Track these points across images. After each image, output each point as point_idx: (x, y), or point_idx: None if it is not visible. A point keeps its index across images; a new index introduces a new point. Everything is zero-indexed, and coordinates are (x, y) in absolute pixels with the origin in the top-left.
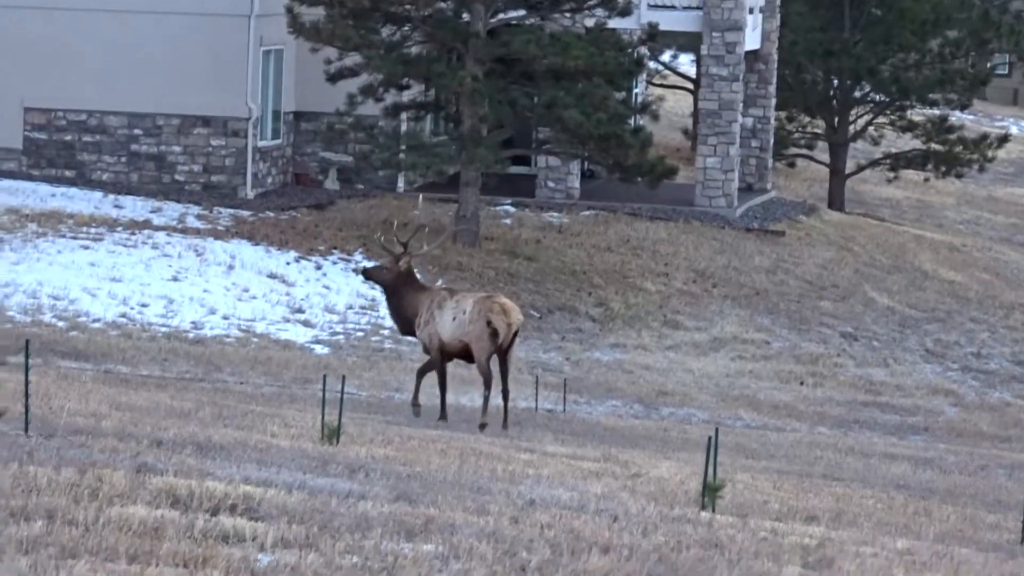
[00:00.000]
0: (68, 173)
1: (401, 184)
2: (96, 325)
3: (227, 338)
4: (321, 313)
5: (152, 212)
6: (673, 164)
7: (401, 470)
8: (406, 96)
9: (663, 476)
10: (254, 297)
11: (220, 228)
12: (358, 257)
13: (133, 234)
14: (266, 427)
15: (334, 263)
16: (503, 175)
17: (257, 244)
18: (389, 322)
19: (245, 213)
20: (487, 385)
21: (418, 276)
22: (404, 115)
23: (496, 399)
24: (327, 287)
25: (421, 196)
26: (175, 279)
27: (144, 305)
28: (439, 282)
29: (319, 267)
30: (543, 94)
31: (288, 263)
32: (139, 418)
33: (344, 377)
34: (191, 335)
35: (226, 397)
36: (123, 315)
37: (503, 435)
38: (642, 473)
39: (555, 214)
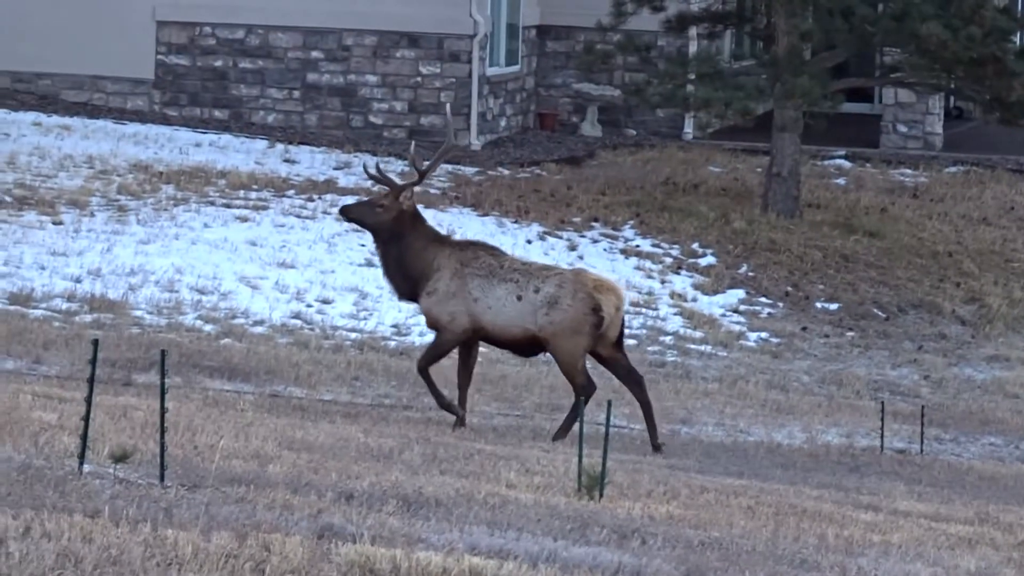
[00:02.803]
0: (218, 113)
1: (689, 128)
2: (258, 330)
3: None
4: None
5: (337, 169)
6: None
7: (691, 535)
8: (696, 3)
9: None
10: None
11: (433, 192)
12: (628, 232)
13: (311, 200)
14: (500, 474)
15: (594, 241)
16: (834, 115)
17: (486, 214)
18: (673, 325)
19: (469, 170)
20: (583, 393)
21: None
22: (694, 30)
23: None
24: None
25: (448, 105)
26: (369, 264)
27: (326, 302)
28: (743, 268)
29: (573, 246)
30: (891, 1)
31: (530, 240)
32: (320, 461)
33: (610, 403)
34: (392, 344)
35: (442, 431)
36: (296, 315)
37: (830, 486)
38: None
39: (908, 171)
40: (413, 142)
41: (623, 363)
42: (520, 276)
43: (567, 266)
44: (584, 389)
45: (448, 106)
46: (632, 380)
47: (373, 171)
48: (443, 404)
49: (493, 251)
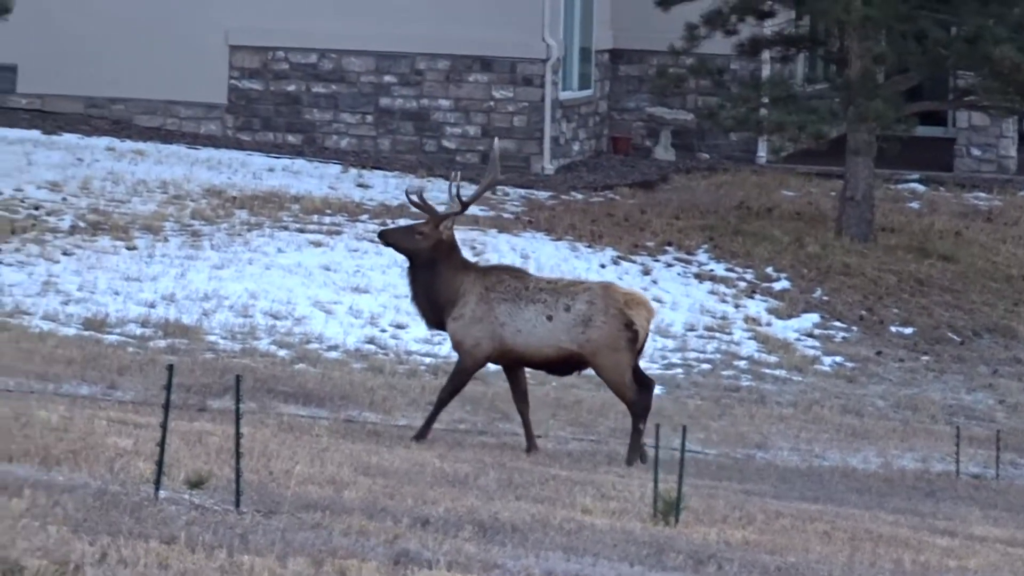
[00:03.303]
0: (291, 138)
1: (763, 152)
2: (333, 355)
3: None
4: (650, 337)
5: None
6: None
7: (767, 561)
8: (769, 27)
9: None
10: None
11: (506, 216)
12: (702, 257)
13: (384, 224)
14: (575, 499)
15: (668, 265)
16: (907, 139)
17: (559, 239)
18: (748, 349)
19: (542, 194)
20: (639, 412)
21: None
22: (767, 54)
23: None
24: (658, 300)
25: (496, 139)
26: None
27: (400, 327)
28: (817, 292)
29: (647, 271)
30: (964, 23)
31: (603, 265)
32: (396, 487)
33: (685, 428)
34: None
35: (517, 456)
36: (371, 340)
37: (905, 511)
38: None
39: (982, 194)
40: (457, 171)
41: (636, 373)
42: (548, 296)
43: (578, 279)
44: (636, 404)
45: (496, 140)
46: (642, 384)
47: (415, 198)
48: (424, 430)
49: (517, 273)
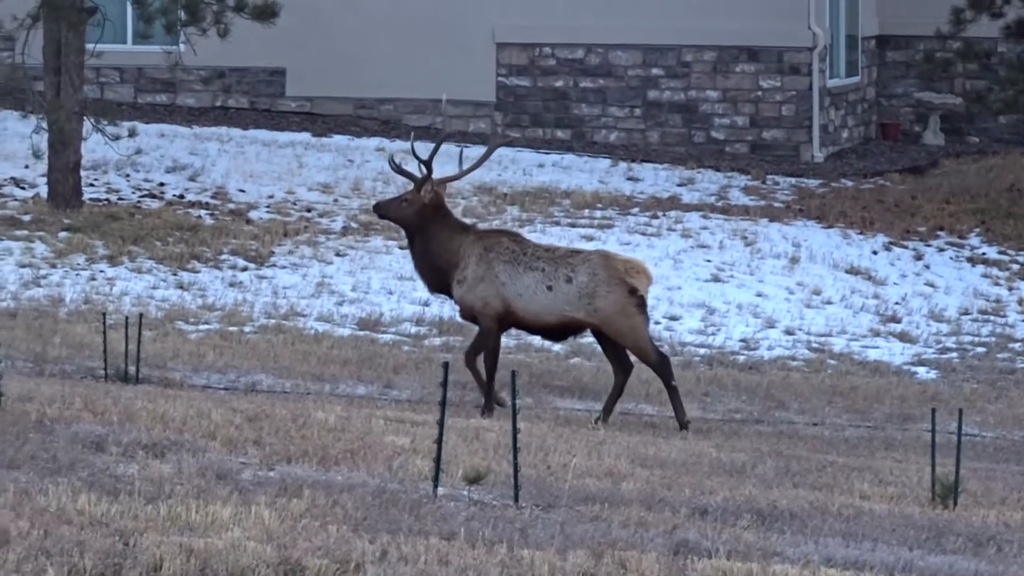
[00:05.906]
0: (560, 134)
1: None
2: None
3: (792, 361)
4: (924, 322)
5: (680, 185)
6: None
7: None
8: None
9: None
10: (829, 302)
11: (777, 205)
12: (974, 240)
13: (655, 217)
14: (852, 485)
15: (940, 250)
16: None
17: (830, 226)
18: (1022, 331)
19: (812, 183)
20: (666, 374)
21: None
22: None
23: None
24: (931, 284)
25: (445, 95)
26: (716, 279)
27: (674, 318)
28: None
29: (919, 256)
30: None
31: (875, 252)
32: (673, 477)
33: (961, 411)
34: (741, 358)
35: (794, 444)
36: None
37: None
38: None
39: None
40: (412, 132)
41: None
42: (545, 264)
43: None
44: (660, 365)
45: (444, 95)
46: (623, 366)
47: (400, 162)
48: (488, 397)
49: (515, 237)
